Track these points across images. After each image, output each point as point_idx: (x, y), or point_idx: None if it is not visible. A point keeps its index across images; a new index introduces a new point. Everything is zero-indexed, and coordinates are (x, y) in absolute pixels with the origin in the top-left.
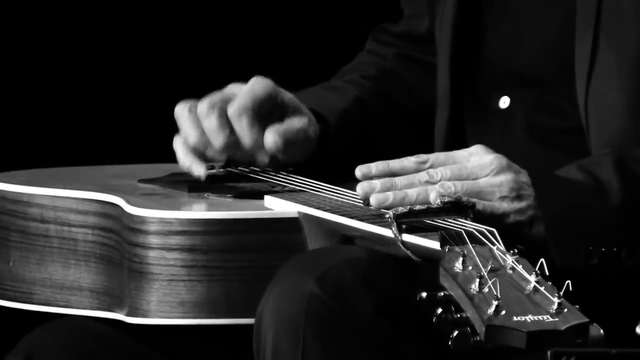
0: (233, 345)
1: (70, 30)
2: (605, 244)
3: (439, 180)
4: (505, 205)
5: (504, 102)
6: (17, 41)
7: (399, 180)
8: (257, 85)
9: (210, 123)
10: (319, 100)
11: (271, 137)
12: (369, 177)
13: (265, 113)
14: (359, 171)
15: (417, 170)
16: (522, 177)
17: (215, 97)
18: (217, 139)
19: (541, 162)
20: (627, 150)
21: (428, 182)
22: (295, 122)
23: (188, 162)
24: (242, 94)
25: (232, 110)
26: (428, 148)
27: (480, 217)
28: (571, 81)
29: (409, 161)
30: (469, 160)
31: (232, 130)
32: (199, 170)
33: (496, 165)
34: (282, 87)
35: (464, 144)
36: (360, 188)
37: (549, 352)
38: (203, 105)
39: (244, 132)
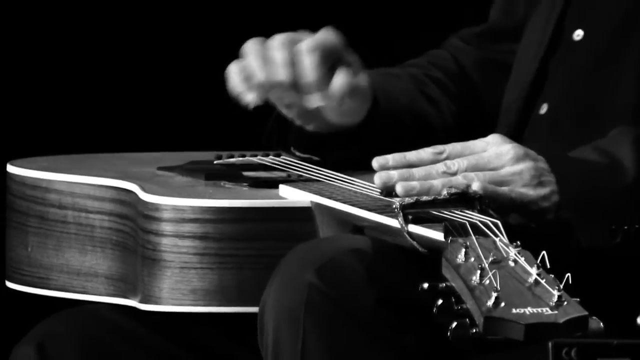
0: (243, 333)
1: (88, 20)
2: (626, 222)
3: (456, 171)
4: (531, 193)
5: (578, 34)
6: (43, 32)
7: (416, 171)
8: (331, 34)
9: (280, 56)
10: (377, 81)
11: (341, 79)
12: (386, 168)
13: (332, 60)
14: (376, 162)
15: (434, 162)
16: (541, 163)
17: (286, 35)
18: (282, 73)
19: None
20: None
21: (445, 173)
22: (362, 77)
23: (242, 88)
24: (318, 34)
25: (305, 45)
26: None
27: (509, 206)
28: None
29: (425, 152)
30: (486, 150)
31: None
32: (250, 97)
33: (514, 154)
34: None
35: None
36: (378, 178)
37: (550, 344)
38: (277, 38)
39: (311, 67)
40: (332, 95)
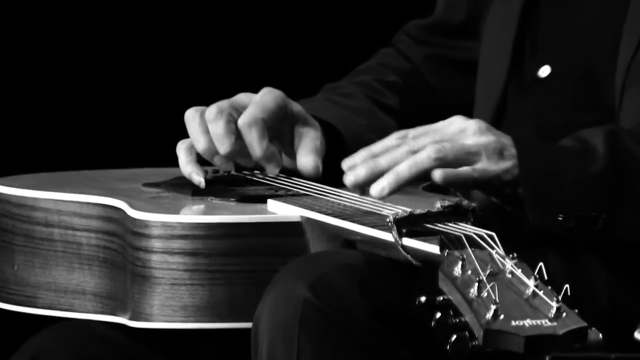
0: (235, 348)
1: (77, 33)
2: (584, 209)
3: (421, 148)
4: (494, 167)
5: (544, 71)
6: (22, 46)
7: (381, 160)
8: (268, 96)
9: (218, 128)
10: (325, 111)
11: (312, 162)
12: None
13: (274, 124)
14: (345, 165)
15: (398, 144)
16: (504, 139)
17: (224, 103)
18: (223, 145)
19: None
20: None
21: (410, 152)
22: (313, 137)
23: (189, 169)
24: (253, 104)
25: (242, 121)
26: None
27: (472, 185)
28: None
29: (389, 140)
30: (449, 128)
31: (238, 138)
32: (198, 178)
33: (476, 128)
34: (289, 89)
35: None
36: (347, 180)
37: (547, 358)
38: (211, 110)
39: (254, 143)
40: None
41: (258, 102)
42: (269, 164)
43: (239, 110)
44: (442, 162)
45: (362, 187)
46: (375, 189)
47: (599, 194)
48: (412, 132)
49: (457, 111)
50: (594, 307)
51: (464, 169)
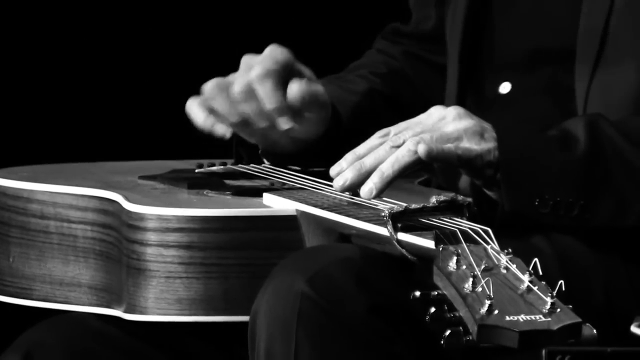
0: (231, 342)
1: (72, 27)
2: (561, 195)
3: (403, 143)
4: (476, 147)
5: (505, 87)
6: (18, 39)
7: (367, 160)
8: (276, 50)
9: (238, 90)
10: (332, 90)
11: (296, 87)
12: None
13: (285, 79)
14: (333, 171)
15: (381, 142)
16: (484, 123)
17: (243, 78)
18: (243, 107)
19: None
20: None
21: (393, 148)
22: (318, 86)
23: (210, 122)
24: (263, 58)
25: (255, 74)
26: None
27: (456, 162)
28: (572, 65)
29: (372, 140)
30: (429, 119)
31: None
32: (222, 129)
33: (455, 114)
34: None
35: None
36: (336, 185)
37: (543, 351)
38: (235, 87)
39: (269, 94)
40: (290, 102)
41: (268, 56)
42: (281, 117)
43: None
44: (425, 156)
45: (352, 190)
46: (364, 190)
47: (577, 180)
48: (393, 128)
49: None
50: (588, 302)
51: (448, 146)
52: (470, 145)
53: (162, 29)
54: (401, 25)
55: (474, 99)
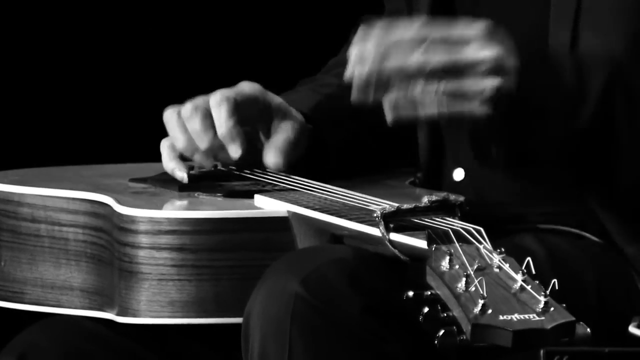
0: (225, 344)
1: (64, 31)
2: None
3: (431, 70)
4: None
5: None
6: (11, 42)
7: (390, 63)
8: (244, 83)
9: (195, 124)
10: (308, 101)
11: (273, 159)
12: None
13: (252, 116)
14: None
15: (416, 39)
16: (511, 61)
17: (199, 99)
18: (202, 141)
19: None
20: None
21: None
22: (289, 132)
23: (172, 166)
24: (227, 88)
25: (213, 101)
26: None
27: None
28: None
29: (410, 30)
30: (467, 50)
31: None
32: (181, 174)
33: (488, 65)
34: (274, 85)
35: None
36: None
37: (541, 351)
38: (187, 107)
39: (222, 120)
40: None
41: (233, 87)
42: (232, 144)
43: None
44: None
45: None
46: (359, 69)
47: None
48: (433, 34)
49: None
50: (582, 302)
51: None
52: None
53: (153, 32)
54: (375, 19)
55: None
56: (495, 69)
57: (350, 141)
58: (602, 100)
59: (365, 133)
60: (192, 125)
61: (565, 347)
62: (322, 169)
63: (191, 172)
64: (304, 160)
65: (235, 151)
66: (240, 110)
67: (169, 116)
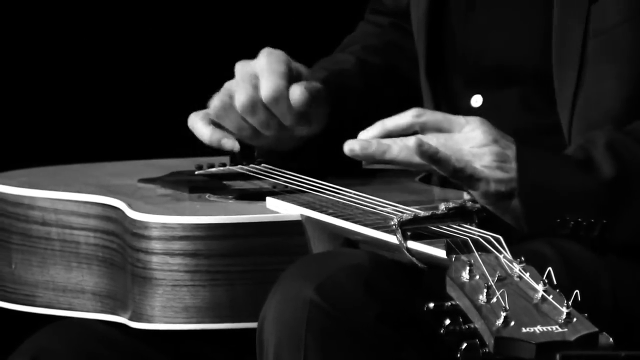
0: (237, 348)
1: (70, 27)
2: (583, 216)
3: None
4: (486, 171)
5: (476, 101)
6: (17, 40)
7: (394, 149)
8: (274, 59)
9: (259, 119)
10: (327, 78)
11: (298, 92)
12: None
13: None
14: (362, 135)
15: (412, 124)
16: (508, 151)
17: (244, 92)
18: (269, 130)
19: None
20: (620, 129)
21: (418, 145)
22: (314, 83)
23: (217, 136)
24: (267, 75)
25: (265, 94)
26: None
27: (460, 177)
28: (548, 76)
29: (404, 117)
30: (461, 131)
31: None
32: (232, 142)
33: (481, 139)
34: None
35: None
36: (356, 145)
37: (557, 356)
38: (238, 105)
39: (285, 114)
40: (295, 108)
41: (269, 68)
42: (298, 127)
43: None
44: (434, 164)
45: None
46: (362, 144)
47: (599, 202)
48: (428, 115)
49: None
50: (597, 306)
51: (460, 159)
52: (481, 167)
53: (159, 28)
54: (378, 5)
55: (448, 109)
56: (497, 162)
57: (354, 118)
58: (609, 153)
59: (370, 113)
60: (257, 120)
61: (581, 352)
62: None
63: (199, 171)
64: (320, 139)
65: (300, 131)
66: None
67: (219, 100)
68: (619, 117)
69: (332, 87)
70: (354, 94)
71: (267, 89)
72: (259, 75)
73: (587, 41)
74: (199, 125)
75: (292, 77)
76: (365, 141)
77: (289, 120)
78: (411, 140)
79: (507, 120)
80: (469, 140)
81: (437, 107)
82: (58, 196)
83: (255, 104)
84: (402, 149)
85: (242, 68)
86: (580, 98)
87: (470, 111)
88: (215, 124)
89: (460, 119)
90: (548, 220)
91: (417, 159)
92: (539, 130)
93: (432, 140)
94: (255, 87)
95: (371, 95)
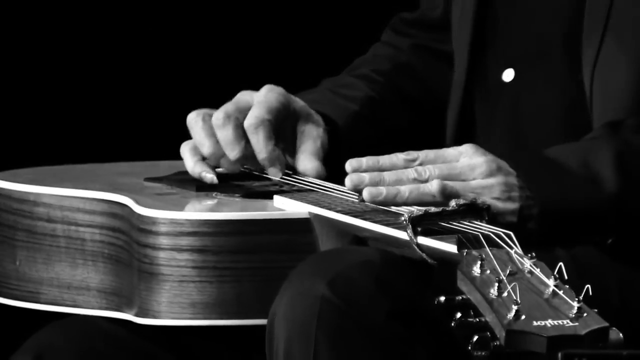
0: (244, 346)
1: (76, 26)
2: (597, 234)
3: (427, 179)
4: (499, 205)
5: (508, 75)
6: (20, 39)
7: (387, 176)
8: (271, 94)
9: (226, 134)
10: (328, 104)
11: (314, 167)
12: (358, 172)
13: (279, 123)
14: (349, 165)
15: (406, 168)
16: (512, 178)
17: (230, 107)
18: (234, 151)
19: (547, 138)
20: (628, 135)
21: (416, 180)
22: (318, 136)
23: (199, 169)
24: (257, 104)
25: (248, 122)
26: (440, 144)
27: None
28: (577, 45)
29: (397, 158)
30: (459, 160)
31: (247, 142)
32: (211, 177)
33: (486, 168)
34: (290, 85)
35: (473, 127)
36: (350, 181)
37: (559, 354)
38: (218, 115)
39: (260, 145)
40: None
41: (262, 101)
42: (273, 167)
43: (243, 112)
44: (445, 200)
45: (360, 191)
46: (372, 192)
47: (612, 217)
48: (421, 155)
49: (442, 97)
50: (605, 302)
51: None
52: (495, 202)
53: (167, 31)
54: (407, 14)
55: (479, 88)
56: (506, 192)
57: (369, 141)
58: (618, 171)
59: (382, 138)
60: (224, 134)
61: (583, 350)
62: (334, 168)
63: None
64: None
65: (275, 173)
66: (274, 126)
67: (194, 121)
68: (632, 104)
69: (333, 110)
70: (355, 119)
71: (250, 119)
72: (253, 105)
73: (612, 7)
74: (185, 155)
75: (287, 115)
76: (375, 189)
77: (264, 153)
78: (434, 186)
79: (537, 96)
80: (474, 169)
81: (469, 82)
82: (64, 193)
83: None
84: (412, 190)
85: (239, 95)
86: (597, 78)
87: (501, 86)
88: (203, 158)
89: (451, 150)
90: (561, 240)
91: (428, 199)
92: (569, 106)
93: (435, 171)
94: (236, 120)
95: (373, 122)
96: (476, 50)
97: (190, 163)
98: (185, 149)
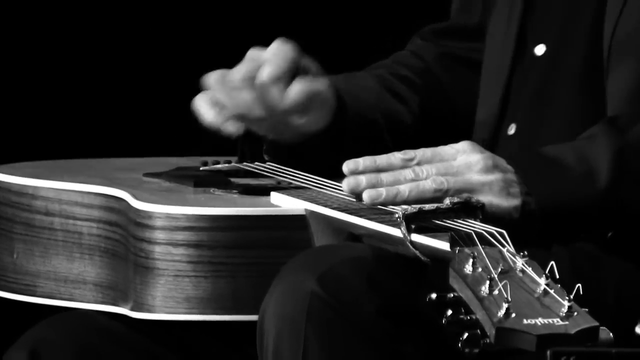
0: (239, 341)
1: (75, 23)
2: (593, 227)
3: (425, 178)
4: (504, 204)
5: (540, 49)
6: (20, 35)
7: (384, 177)
8: (284, 47)
9: (246, 93)
10: (339, 82)
11: (297, 89)
12: (356, 173)
13: (292, 75)
14: (346, 167)
15: (404, 167)
16: (510, 175)
17: (246, 66)
18: (255, 109)
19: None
20: (629, 134)
21: (414, 180)
22: (321, 82)
23: (220, 120)
24: (273, 56)
25: (266, 74)
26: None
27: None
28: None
29: (395, 158)
30: (456, 159)
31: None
32: (232, 126)
33: (483, 165)
34: None
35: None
36: (346, 184)
37: (548, 352)
38: (236, 73)
39: (279, 97)
40: (289, 102)
41: (277, 53)
42: (291, 117)
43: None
44: (443, 195)
45: (359, 194)
46: (372, 195)
47: (610, 210)
48: (418, 155)
49: (464, 109)
50: (599, 302)
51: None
52: (493, 199)
53: (168, 28)
54: (438, 24)
55: (510, 57)
56: (505, 189)
57: (369, 128)
58: (616, 169)
59: (387, 129)
60: (244, 94)
61: (572, 348)
62: (347, 146)
63: (205, 167)
64: (327, 137)
65: (294, 120)
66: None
67: (215, 80)
68: None
69: (343, 90)
70: (364, 101)
71: (267, 69)
72: (266, 59)
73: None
74: (202, 106)
75: (298, 69)
76: (375, 191)
77: (284, 105)
78: (434, 183)
79: (567, 73)
80: (471, 166)
81: (504, 54)
82: (62, 186)
83: (251, 78)
84: (412, 189)
85: (250, 52)
86: (614, 48)
87: (533, 60)
88: (222, 108)
89: (447, 148)
90: (560, 235)
91: (428, 195)
92: (591, 85)
93: (432, 170)
94: (257, 65)
95: (381, 107)
96: (523, 27)
97: (211, 114)
98: (200, 100)
